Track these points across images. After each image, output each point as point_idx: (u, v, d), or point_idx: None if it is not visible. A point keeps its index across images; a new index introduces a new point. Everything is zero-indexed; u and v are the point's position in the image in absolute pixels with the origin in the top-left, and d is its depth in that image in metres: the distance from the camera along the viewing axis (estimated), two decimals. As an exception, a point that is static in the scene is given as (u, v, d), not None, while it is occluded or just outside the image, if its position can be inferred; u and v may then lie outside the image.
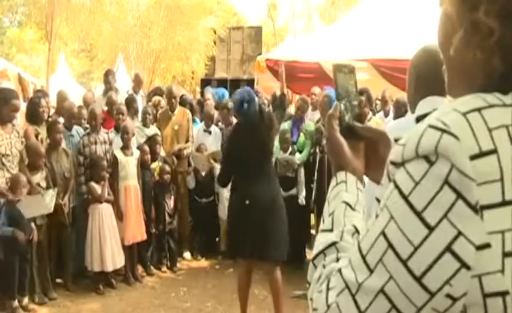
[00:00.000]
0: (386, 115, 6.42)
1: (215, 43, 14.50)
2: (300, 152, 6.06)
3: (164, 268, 6.06)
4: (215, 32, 15.01)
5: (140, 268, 5.89)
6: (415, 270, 0.69)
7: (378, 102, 6.70)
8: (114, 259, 5.35)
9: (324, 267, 0.83)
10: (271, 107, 5.82)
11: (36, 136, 5.25)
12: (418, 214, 0.69)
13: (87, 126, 5.79)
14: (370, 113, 5.42)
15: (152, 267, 5.97)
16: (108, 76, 7.44)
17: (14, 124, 4.86)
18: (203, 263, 6.37)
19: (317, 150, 5.34)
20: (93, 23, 17.21)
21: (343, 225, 0.87)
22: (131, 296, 5.31)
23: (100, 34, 17.77)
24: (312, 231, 6.41)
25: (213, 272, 6.00)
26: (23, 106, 6.42)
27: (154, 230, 5.93)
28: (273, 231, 4.19)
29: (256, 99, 4.44)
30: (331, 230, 0.88)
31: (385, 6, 8.32)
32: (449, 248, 0.67)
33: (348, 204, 0.90)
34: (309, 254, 6.29)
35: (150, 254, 6.02)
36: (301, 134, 6.14)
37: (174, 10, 17.42)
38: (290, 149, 6.04)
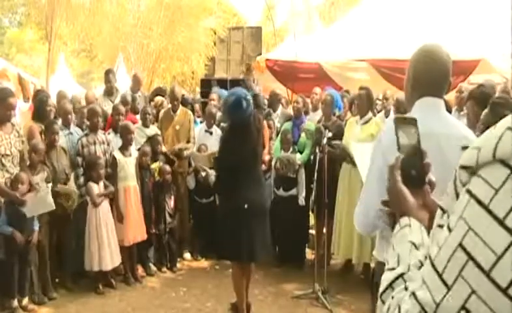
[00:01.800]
0: (387, 115, 6.42)
1: (215, 43, 14.50)
2: (301, 152, 6.05)
3: (164, 269, 6.05)
4: (215, 33, 15.03)
5: (140, 269, 5.88)
6: (500, 281, 0.64)
7: (378, 101, 6.70)
8: (113, 258, 5.33)
9: (392, 298, 0.80)
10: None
11: (41, 133, 5.22)
12: (500, 222, 0.65)
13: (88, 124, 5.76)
14: (370, 113, 5.41)
15: (152, 267, 5.97)
16: (109, 75, 7.44)
17: (14, 124, 4.81)
18: (203, 263, 6.37)
19: (317, 150, 5.31)
20: (93, 23, 17.24)
21: (409, 260, 0.86)
22: (131, 296, 5.31)
23: (100, 34, 17.80)
24: (312, 232, 6.40)
25: (213, 272, 6.00)
26: (24, 106, 6.43)
27: (154, 230, 5.92)
28: (265, 233, 4.30)
29: (251, 100, 4.31)
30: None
31: (385, 6, 8.33)
32: None
33: (413, 243, 0.90)
34: (309, 254, 6.29)
35: (150, 254, 6.02)
36: (302, 134, 6.12)
37: (174, 10, 17.45)
38: (291, 149, 6.03)
